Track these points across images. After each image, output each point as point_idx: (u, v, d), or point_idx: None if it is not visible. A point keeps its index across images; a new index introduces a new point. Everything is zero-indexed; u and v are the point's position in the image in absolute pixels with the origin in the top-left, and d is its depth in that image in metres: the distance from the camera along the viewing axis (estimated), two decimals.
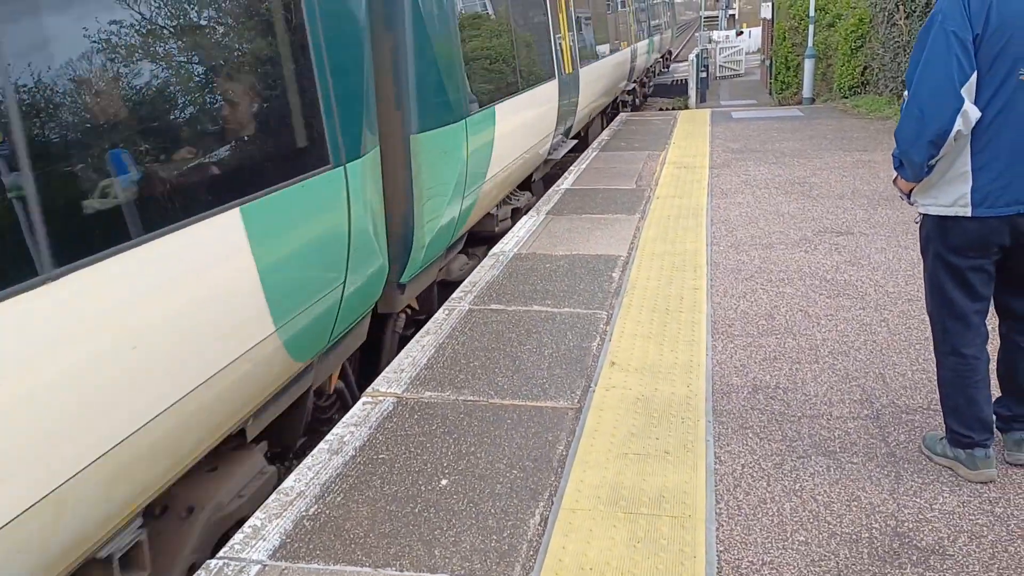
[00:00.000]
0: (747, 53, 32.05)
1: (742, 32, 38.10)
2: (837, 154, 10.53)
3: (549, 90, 9.40)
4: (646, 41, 21.94)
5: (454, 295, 5.69)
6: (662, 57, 31.67)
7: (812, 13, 17.85)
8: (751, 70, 30.38)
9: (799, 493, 3.17)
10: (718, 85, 27.08)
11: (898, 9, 14.10)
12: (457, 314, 5.29)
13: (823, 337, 4.68)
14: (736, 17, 45.45)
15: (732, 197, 8.32)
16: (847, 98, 16.27)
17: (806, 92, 17.97)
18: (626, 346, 4.64)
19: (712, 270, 5.98)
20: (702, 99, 21.31)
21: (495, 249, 6.82)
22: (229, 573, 2.80)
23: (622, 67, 16.87)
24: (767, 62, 23.92)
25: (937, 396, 3.36)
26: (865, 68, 16.12)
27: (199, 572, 2.81)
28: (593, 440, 3.62)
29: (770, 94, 22.35)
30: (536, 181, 10.34)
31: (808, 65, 17.92)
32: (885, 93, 14.94)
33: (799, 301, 5.28)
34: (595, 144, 12.64)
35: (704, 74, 22.78)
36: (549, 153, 10.14)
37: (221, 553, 2.92)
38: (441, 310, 5.39)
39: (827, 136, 12.05)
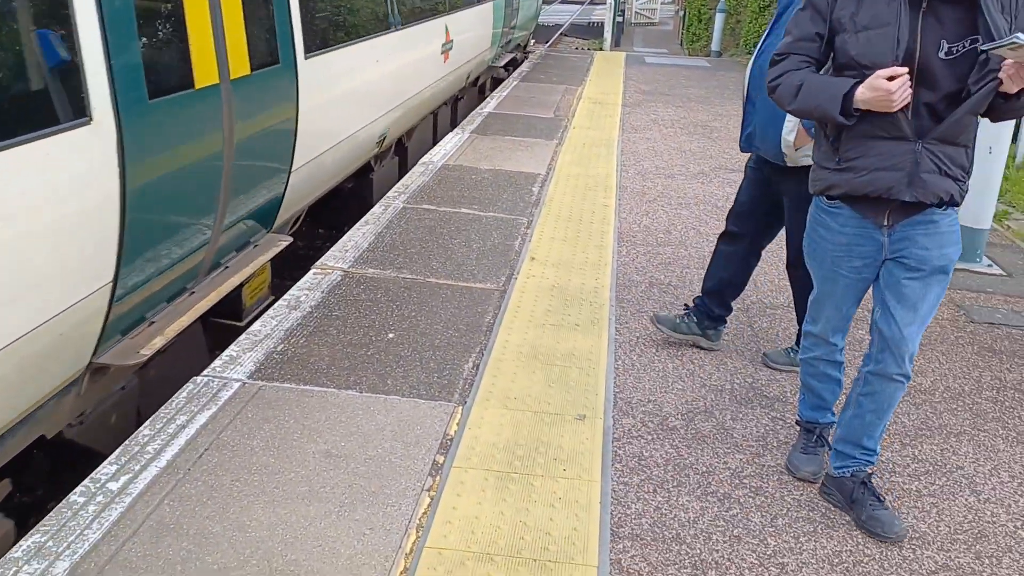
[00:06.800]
0: (662, 3, 32.80)
1: None
2: (737, 103, 11.39)
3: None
4: None
5: (389, 193, 6.21)
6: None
7: None
8: (665, 20, 31.17)
9: (679, 357, 3.95)
10: (632, 32, 27.76)
11: None
12: (392, 210, 5.83)
13: (711, 250, 5.46)
14: None
15: (641, 133, 9.06)
16: (751, 53, 17.20)
17: (714, 45, 18.87)
18: (544, 246, 5.31)
19: (620, 192, 6.70)
20: (616, 44, 21.93)
21: (424, 159, 7.33)
22: (215, 387, 3.35)
23: None
24: (681, 13, 24.72)
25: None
26: None
27: (187, 385, 3.35)
28: (516, 314, 4.29)
29: (681, 45, 23.20)
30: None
31: (719, 20, 18.80)
32: None
33: (693, 222, 6.07)
34: (516, 74, 13.14)
35: (620, 19, 23.36)
36: None
37: (204, 372, 3.46)
38: (378, 205, 5.91)
39: (729, 86, 12.93)
